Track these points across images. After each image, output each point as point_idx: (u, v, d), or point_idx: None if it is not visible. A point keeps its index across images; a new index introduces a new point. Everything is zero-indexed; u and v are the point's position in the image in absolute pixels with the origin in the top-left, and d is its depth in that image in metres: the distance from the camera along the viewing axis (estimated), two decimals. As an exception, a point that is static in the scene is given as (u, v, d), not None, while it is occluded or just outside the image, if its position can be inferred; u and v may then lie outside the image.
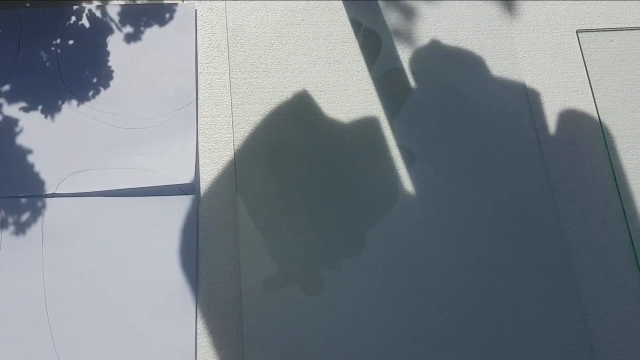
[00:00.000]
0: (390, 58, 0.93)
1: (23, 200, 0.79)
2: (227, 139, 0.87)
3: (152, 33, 0.91)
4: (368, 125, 0.88)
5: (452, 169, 0.86)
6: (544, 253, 0.81)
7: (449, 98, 0.90)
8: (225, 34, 0.93)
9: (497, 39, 0.95)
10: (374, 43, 0.93)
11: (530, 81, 0.93)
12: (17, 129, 0.84)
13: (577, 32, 0.97)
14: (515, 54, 0.94)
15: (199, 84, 0.90)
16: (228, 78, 0.90)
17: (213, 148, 0.86)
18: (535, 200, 0.85)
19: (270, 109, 0.89)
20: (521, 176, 0.86)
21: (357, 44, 0.93)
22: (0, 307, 0.74)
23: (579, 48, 0.96)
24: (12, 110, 0.85)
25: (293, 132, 0.87)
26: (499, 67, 0.93)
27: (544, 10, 0.99)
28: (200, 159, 0.85)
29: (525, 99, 0.91)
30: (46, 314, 0.74)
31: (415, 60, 0.93)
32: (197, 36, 0.92)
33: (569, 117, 0.91)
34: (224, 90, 0.90)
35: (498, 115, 0.89)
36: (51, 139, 0.83)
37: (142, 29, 0.91)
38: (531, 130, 0.89)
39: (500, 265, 0.80)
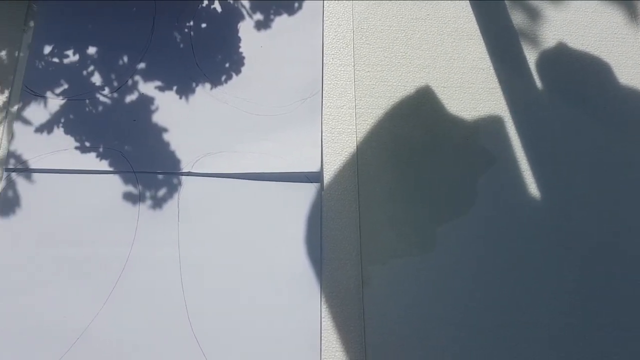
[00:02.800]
0: (515, 58, 0.92)
1: (160, 176, 0.83)
2: (350, 130, 0.88)
3: (281, 22, 0.93)
4: (492, 125, 0.88)
5: (577, 175, 0.85)
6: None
7: (576, 103, 0.89)
8: (351, 26, 0.94)
9: (624, 48, 0.94)
10: (499, 41, 0.93)
11: (660, 92, 0.91)
12: (152, 107, 0.87)
13: None
14: (643, 62, 0.93)
15: (324, 75, 0.91)
16: (352, 70, 0.92)
17: (336, 139, 0.88)
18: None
19: (393, 103, 0.90)
20: (637, 182, 0.85)
21: (482, 41, 0.93)
22: (137, 277, 0.77)
23: None
24: (148, 88, 0.88)
25: (415, 126, 0.88)
26: (626, 76, 0.92)
27: (673, 19, 0.97)
28: (324, 148, 0.87)
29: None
30: (181, 284, 0.77)
31: (541, 62, 0.92)
32: (324, 28, 0.94)
33: (697, 130, 0.89)
34: (348, 82, 0.91)
35: (625, 123, 0.88)
36: (186, 119, 0.86)
37: (271, 17, 0.93)
38: (659, 141, 0.88)
39: (597, 273, 0.80)
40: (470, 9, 0.95)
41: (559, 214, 0.83)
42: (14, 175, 0.82)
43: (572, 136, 0.87)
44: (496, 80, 0.91)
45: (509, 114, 0.89)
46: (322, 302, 0.78)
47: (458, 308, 0.78)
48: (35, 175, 0.82)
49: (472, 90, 0.90)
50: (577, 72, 0.92)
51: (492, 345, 0.76)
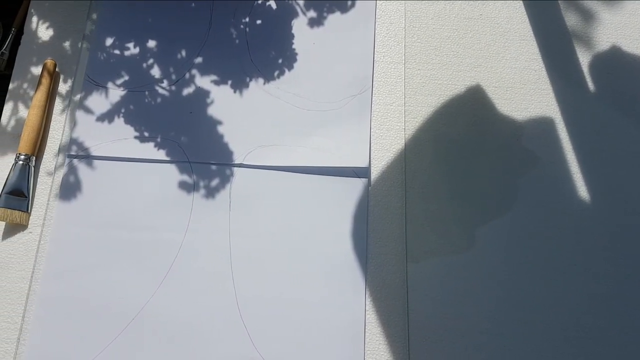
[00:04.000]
0: (568, 60, 0.92)
1: (213, 167, 0.86)
2: (398, 127, 0.89)
3: (334, 19, 0.95)
4: (543, 127, 0.88)
5: (624, 183, 0.84)
6: None
7: (628, 109, 0.88)
8: (403, 25, 0.95)
9: (684, 49, 0.92)
10: (552, 43, 0.93)
11: None
12: (208, 100, 0.90)
13: None
14: None
15: (374, 72, 0.93)
16: (403, 68, 0.93)
17: (385, 135, 0.89)
18: None
19: (443, 102, 0.90)
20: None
21: (535, 42, 0.93)
22: (189, 262, 0.80)
23: None
24: (204, 82, 0.92)
25: (464, 126, 0.88)
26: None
27: None
28: (372, 144, 0.89)
29: None
30: (231, 272, 0.80)
31: (594, 66, 0.91)
32: (376, 26, 0.95)
33: None
34: (398, 80, 0.92)
35: (681, 128, 0.87)
36: (239, 113, 0.89)
37: (324, 14, 0.95)
38: None
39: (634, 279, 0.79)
40: (524, 10, 0.95)
41: (604, 221, 0.82)
42: (75, 161, 0.86)
43: (621, 144, 0.86)
44: (548, 82, 0.90)
45: (559, 116, 0.88)
46: (367, 296, 0.80)
47: (498, 308, 0.78)
48: (95, 162, 0.86)
49: (523, 91, 0.90)
50: (630, 78, 0.90)
51: (529, 346, 0.77)
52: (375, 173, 0.87)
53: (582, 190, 0.84)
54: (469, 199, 0.84)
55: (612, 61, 0.92)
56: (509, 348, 0.76)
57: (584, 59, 0.92)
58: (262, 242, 0.82)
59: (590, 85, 0.90)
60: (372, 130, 0.89)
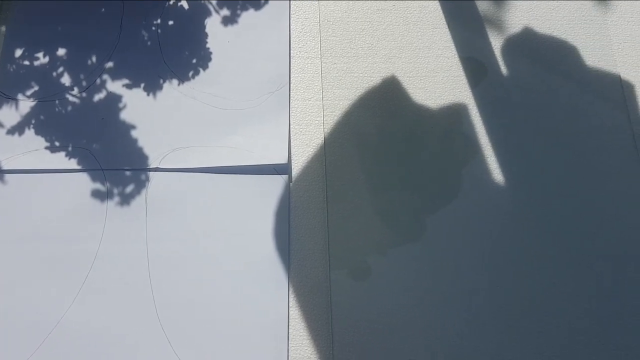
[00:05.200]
0: (481, 46, 0.93)
1: (128, 173, 0.84)
2: (317, 122, 0.89)
3: (248, 17, 0.94)
4: (455, 112, 0.88)
5: (537, 160, 0.85)
6: (633, 249, 0.81)
7: (539, 88, 0.90)
8: (318, 19, 0.95)
9: (591, 30, 0.94)
10: (465, 29, 0.93)
11: (625, 73, 0.91)
12: (120, 105, 0.88)
13: (673, 24, 0.95)
14: (609, 45, 0.93)
15: (291, 68, 0.92)
16: (319, 63, 0.92)
17: (304, 130, 0.88)
18: (626, 195, 0.83)
19: (360, 94, 0.90)
20: (612, 169, 0.85)
21: (447, 30, 0.93)
22: (105, 272, 0.78)
23: (676, 40, 0.94)
24: (116, 86, 0.89)
25: (381, 117, 0.88)
26: (593, 58, 0.92)
27: (639, 3, 0.96)
28: (292, 140, 0.88)
29: (619, 92, 0.90)
30: (149, 278, 0.78)
31: (506, 49, 0.92)
32: (291, 21, 0.95)
33: (665, 111, 0.89)
34: (315, 75, 0.92)
35: (590, 106, 0.88)
36: (153, 116, 0.87)
37: (238, 12, 0.94)
38: (625, 123, 0.88)
39: (577, 263, 0.80)
40: (436, -1, 0.95)
41: (527, 196, 0.83)
42: (-14, 176, 0.83)
43: (534, 123, 0.88)
44: (461, 68, 0.91)
45: (472, 101, 0.89)
46: (290, 292, 0.79)
47: (427, 297, 0.78)
48: (6, 176, 0.83)
49: (437, 79, 0.90)
50: (543, 57, 0.92)
51: (447, 331, 0.77)
52: (296, 169, 0.86)
53: (498, 175, 0.85)
54: (389, 189, 0.84)
55: (524, 42, 0.93)
56: (434, 337, 0.76)
57: (497, 43, 0.93)
58: (181, 246, 0.80)
59: (504, 69, 0.91)
60: (291, 126, 0.89)
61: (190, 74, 0.90)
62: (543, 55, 0.92)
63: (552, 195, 0.83)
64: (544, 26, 0.94)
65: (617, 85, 0.90)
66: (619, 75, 0.91)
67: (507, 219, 0.82)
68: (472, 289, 0.78)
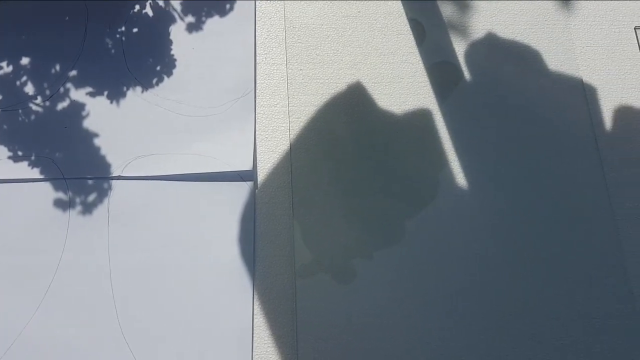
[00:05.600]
0: (445, 51, 0.93)
1: (90, 181, 0.83)
2: (283, 128, 0.89)
3: (212, 23, 0.94)
4: (421, 118, 0.89)
5: (504, 162, 0.86)
6: (596, 248, 0.81)
7: (503, 92, 0.90)
8: (283, 25, 0.95)
9: (554, 34, 0.95)
10: (429, 35, 0.94)
11: (588, 77, 0.92)
12: (84, 113, 0.88)
13: (635, 28, 0.96)
14: (572, 49, 0.94)
15: (257, 74, 0.92)
16: (285, 69, 0.92)
17: (270, 137, 0.88)
18: (589, 195, 0.84)
19: (325, 100, 0.90)
20: (575, 171, 0.86)
21: (412, 36, 0.94)
22: (67, 283, 0.77)
23: (637, 44, 0.95)
24: (79, 95, 0.89)
25: (347, 122, 0.88)
26: (556, 61, 0.93)
27: (602, 6, 0.98)
28: (257, 146, 0.88)
29: (582, 95, 0.91)
30: (111, 289, 0.78)
31: (470, 54, 0.93)
32: (256, 27, 0.95)
33: (626, 114, 0.90)
34: (281, 81, 0.92)
35: (554, 109, 0.89)
36: (116, 124, 0.87)
37: (203, 19, 0.94)
38: (587, 126, 0.89)
39: (548, 260, 0.81)
40: (401, 5, 0.96)
41: (489, 192, 0.84)
42: (-53, 187, 0.82)
43: (501, 126, 0.88)
44: (425, 74, 0.91)
45: (437, 107, 0.89)
46: (255, 299, 0.79)
47: (405, 302, 0.78)
48: (-32, 186, 0.82)
49: (402, 85, 0.91)
50: (507, 60, 0.93)
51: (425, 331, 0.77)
52: (261, 175, 0.86)
53: (461, 179, 0.86)
54: (355, 195, 0.84)
55: (488, 47, 0.94)
56: (402, 342, 0.76)
57: (460, 49, 0.94)
58: (144, 255, 0.79)
59: (467, 74, 0.92)
60: (256, 132, 0.88)
61: (155, 81, 0.90)
62: (507, 59, 0.93)
63: (523, 198, 0.84)
64: (507, 31, 0.95)
65: (579, 89, 0.91)
66: (581, 79, 0.92)
67: (487, 221, 0.82)
68: (454, 292, 0.78)
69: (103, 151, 0.85)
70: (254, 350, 0.76)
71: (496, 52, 0.93)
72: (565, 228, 0.83)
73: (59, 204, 0.82)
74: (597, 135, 0.88)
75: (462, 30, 0.95)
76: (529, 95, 0.90)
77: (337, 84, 0.91)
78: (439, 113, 0.89)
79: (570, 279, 0.80)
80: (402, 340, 0.76)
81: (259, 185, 0.85)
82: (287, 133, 0.88)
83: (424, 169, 0.85)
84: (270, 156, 0.87)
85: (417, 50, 0.93)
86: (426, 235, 0.81)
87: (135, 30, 0.93)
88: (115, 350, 0.74)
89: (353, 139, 0.87)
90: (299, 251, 0.81)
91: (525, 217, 0.83)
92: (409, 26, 0.95)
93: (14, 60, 0.91)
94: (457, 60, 0.93)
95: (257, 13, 0.96)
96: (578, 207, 0.84)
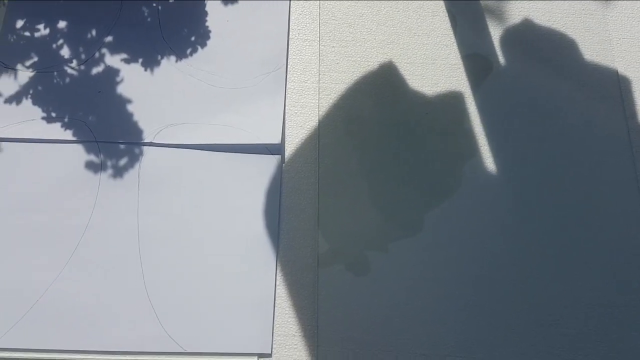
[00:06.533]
0: (481, 34, 0.93)
1: (122, 146, 0.84)
2: (312, 104, 0.89)
3: (248, -4, 0.94)
4: (452, 101, 0.89)
5: (533, 155, 0.86)
6: (625, 244, 0.81)
7: (537, 80, 0.90)
8: (318, 2, 0.95)
9: (591, 23, 0.94)
10: (465, 19, 0.93)
11: (623, 69, 0.91)
12: (118, 79, 0.89)
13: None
14: (609, 39, 0.93)
15: (289, 49, 0.92)
16: (317, 45, 0.92)
17: (299, 112, 0.89)
18: (619, 189, 0.84)
19: (356, 78, 0.90)
20: (606, 163, 0.85)
21: (447, 17, 0.93)
22: (95, 243, 0.79)
23: (676, 38, 0.94)
24: (114, 60, 0.90)
25: (377, 102, 0.89)
26: (591, 52, 0.92)
27: (641, -2, 0.96)
28: (286, 121, 0.88)
29: (616, 86, 0.90)
30: (138, 252, 0.79)
31: (505, 40, 0.93)
32: (291, 2, 0.95)
33: (660, 108, 0.89)
34: (313, 57, 0.92)
35: (587, 99, 0.89)
36: (150, 91, 0.88)
37: (238, -9, 0.94)
38: (620, 118, 0.88)
39: (575, 256, 0.80)
40: (437, -14, 0.95)
41: (516, 185, 0.84)
42: (-18, 144, 0.84)
43: (532, 116, 0.88)
44: (459, 57, 0.91)
45: (469, 90, 0.89)
46: (278, 272, 0.80)
47: (414, 279, 0.79)
48: (2, 144, 0.84)
49: (435, 67, 0.90)
50: (542, 49, 0.92)
51: (451, 322, 0.77)
52: (289, 150, 0.87)
53: (490, 159, 0.85)
54: (380, 175, 0.84)
55: (524, 34, 0.93)
56: (419, 321, 0.77)
57: (496, 33, 0.93)
58: (171, 222, 0.81)
59: (502, 59, 0.91)
60: (286, 107, 0.89)
61: (189, 51, 0.90)
62: (541, 48, 0.92)
63: (551, 192, 0.83)
64: (543, 18, 0.94)
65: (614, 80, 0.90)
66: (617, 71, 0.91)
67: (508, 216, 0.82)
68: (472, 283, 0.78)
69: (135, 117, 0.86)
70: (275, 318, 0.77)
71: (531, 39, 0.93)
72: (594, 223, 0.82)
73: (90, 166, 0.83)
74: (630, 129, 0.87)
75: (497, 15, 0.94)
76: (562, 85, 0.89)
77: (369, 63, 0.91)
78: (470, 98, 0.89)
79: (598, 276, 0.80)
80: (418, 320, 0.77)
81: (286, 160, 0.86)
82: (317, 110, 0.89)
83: (450, 159, 0.85)
84: (298, 131, 0.88)
85: (451, 33, 0.93)
86: (446, 228, 0.81)
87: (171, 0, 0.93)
88: (139, 311, 0.76)
89: (381, 120, 0.88)
90: (323, 226, 0.81)
91: (551, 212, 0.83)
92: (444, 8, 0.94)
93: (50, 23, 0.92)
94: (492, 46, 0.92)
95: (292, -12, 0.96)
96: (608, 201, 0.83)
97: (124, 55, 0.90)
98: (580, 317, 0.77)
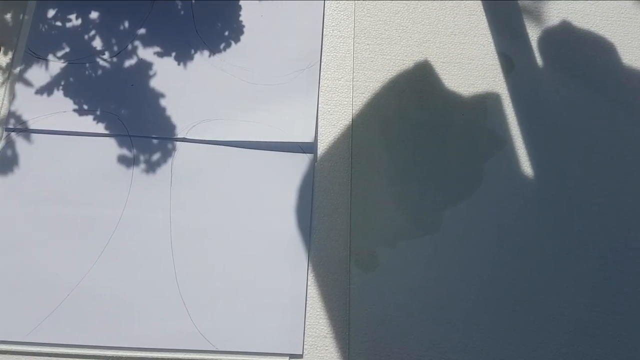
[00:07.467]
0: (518, 35, 0.91)
1: (155, 141, 0.84)
2: (346, 102, 0.88)
3: (282, -9, 0.93)
4: (488, 102, 0.87)
5: (561, 159, 0.84)
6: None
7: (576, 82, 0.88)
8: None
9: (630, 28, 0.92)
10: (502, 18, 0.92)
11: (663, 74, 0.90)
12: (150, 72, 0.88)
13: None
14: (649, 44, 0.91)
15: (323, 46, 0.91)
16: (352, 43, 0.91)
17: (332, 110, 0.88)
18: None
19: (391, 77, 0.89)
20: (636, 173, 0.84)
21: (484, 17, 0.92)
22: (127, 238, 0.79)
23: None
24: (147, 53, 0.89)
25: (411, 101, 0.87)
26: (630, 57, 0.90)
27: (682, 1, 0.94)
28: (319, 119, 0.87)
29: (654, 92, 0.88)
30: (170, 247, 0.78)
31: (543, 40, 0.91)
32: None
33: (699, 115, 0.88)
34: (347, 55, 0.91)
35: (626, 105, 0.87)
36: (183, 86, 0.87)
37: (273, -14, 0.93)
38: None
39: (598, 262, 0.80)
40: (474, -16, 0.94)
41: (557, 193, 0.83)
42: (13, 135, 0.84)
43: (571, 116, 0.87)
44: (496, 57, 0.90)
45: (506, 91, 0.88)
46: (309, 271, 0.79)
47: (446, 284, 0.78)
48: (33, 136, 0.84)
49: (471, 67, 0.89)
50: (579, 52, 0.90)
51: (480, 319, 0.77)
52: (321, 148, 0.86)
53: (528, 164, 0.84)
54: (414, 176, 0.83)
55: (561, 36, 0.92)
56: (455, 324, 0.76)
57: (533, 34, 0.92)
58: (203, 218, 0.80)
59: (539, 60, 0.90)
60: (319, 105, 0.88)
61: (222, 46, 0.89)
62: (579, 52, 0.91)
63: (574, 194, 0.82)
64: (582, 20, 0.93)
65: (652, 86, 0.89)
66: (656, 76, 0.89)
67: (527, 217, 0.81)
68: (489, 281, 0.78)
69: (168, 112, 0.85)
70: (306, 319, 0.76)
71: (568, 42, 0.91)
72: (614, 229, 0.81)
73: (123, 160, 0.82)
74: (668, 135, 0.86)
75: (535, 16, 0.93)
76: (601, 87, 0.88)
77: (404, 62, 0.90)
78: (507, 99, 0.88)
79: (615, 282, 0.79)
80: (436, 322, 0.76)
81: (318, 158, 0.85)
82: (350, 108, 0.88)
83: (476, 161, 0.84)
84: (331, 130, 0.87)
85: (489, 33, 0.91)
86: (462, 227, 0.80)
87: (205, -7, 0.92)
88: (171, 308, 0.75)
89: (414, 120, 0.86)
90: (355, 227, 0.80)
91: (576, 215, 0.81)
92: (482, 7, 0.93)
93: (83, 14, 0.91)
94: (530, 46, 0.91)
95: (327, -16, 0.94)
96: (633, 211, 0.82)
97: (157, 48, 0.89)
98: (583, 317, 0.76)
